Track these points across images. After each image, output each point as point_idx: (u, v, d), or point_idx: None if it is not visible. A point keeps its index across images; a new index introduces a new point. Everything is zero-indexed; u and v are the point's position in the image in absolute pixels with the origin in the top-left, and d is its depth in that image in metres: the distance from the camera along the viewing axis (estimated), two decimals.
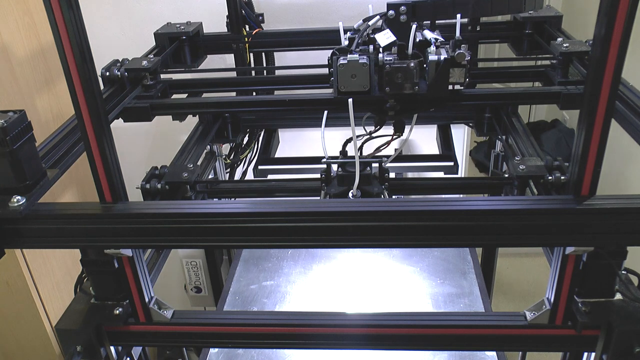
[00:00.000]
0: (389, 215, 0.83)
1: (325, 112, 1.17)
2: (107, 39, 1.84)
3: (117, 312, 0.98)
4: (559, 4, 3.28)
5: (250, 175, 1.60)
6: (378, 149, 1.12)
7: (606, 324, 0.90)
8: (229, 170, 1.64)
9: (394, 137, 1.11)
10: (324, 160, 1.09)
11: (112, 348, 1.03)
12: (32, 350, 1.64)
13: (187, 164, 1.19)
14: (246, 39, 1.52)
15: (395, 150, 1.18)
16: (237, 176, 1.69)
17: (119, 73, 1.24)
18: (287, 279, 1.59)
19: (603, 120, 0.75)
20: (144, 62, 1.26)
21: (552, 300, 0.93)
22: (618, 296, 0.93)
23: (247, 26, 1.56)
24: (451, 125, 1.60)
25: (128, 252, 0.92)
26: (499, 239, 0.86)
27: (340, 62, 0.98)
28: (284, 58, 1.76)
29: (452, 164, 1.46)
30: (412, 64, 0.97)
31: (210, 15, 1.68)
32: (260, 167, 1.51)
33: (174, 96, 1.35)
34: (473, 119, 1.43)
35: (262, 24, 1.58)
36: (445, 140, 1.56)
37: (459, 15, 1.00)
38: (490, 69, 1.41)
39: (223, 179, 1.62)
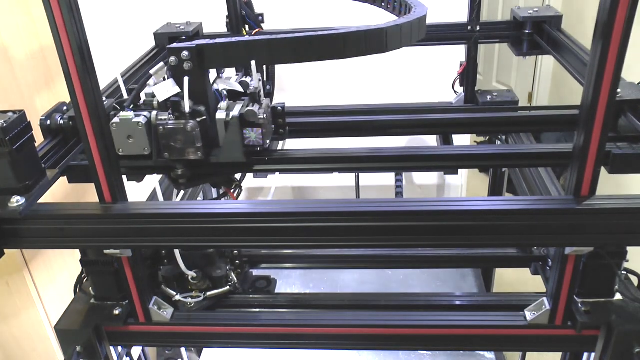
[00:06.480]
0: (389, 216, 0.83)
1: None
2: (107, 39, 1.84)
3: (117, 312, 0.98)
4: (559, 4, 3.27)
5: (250, 175, 1.60)
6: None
7: (606, 324, 0.90)
8: None
9: (234, 188, 0.96)
10: None
11: (112, 348, 1.03)
12: (32, 350, 1.64)
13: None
14: None
15: None
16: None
17: (62, 122, 0.99)
18: (287, 282, 1.59)
19: (603, 120, 0.75)
20: None
21: (552, 300, 0.93)
22: (618, 296, 0.93)
23: (247, 26, 1.56)
24: None
25: (128, 252, 0.92)
26: (499, 239, 0.86)
27: (113, 120, 0.81)
28: None
29: None
30: (190, 124, 0.80)
31: (210, 15, 1.68)
32: None
33: None
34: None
35: (262, 24, 1.58)
36: (446, 140, 1.56)
37: (253, 63, 0.81)
38: (521, 117, 1.20)
39: None
